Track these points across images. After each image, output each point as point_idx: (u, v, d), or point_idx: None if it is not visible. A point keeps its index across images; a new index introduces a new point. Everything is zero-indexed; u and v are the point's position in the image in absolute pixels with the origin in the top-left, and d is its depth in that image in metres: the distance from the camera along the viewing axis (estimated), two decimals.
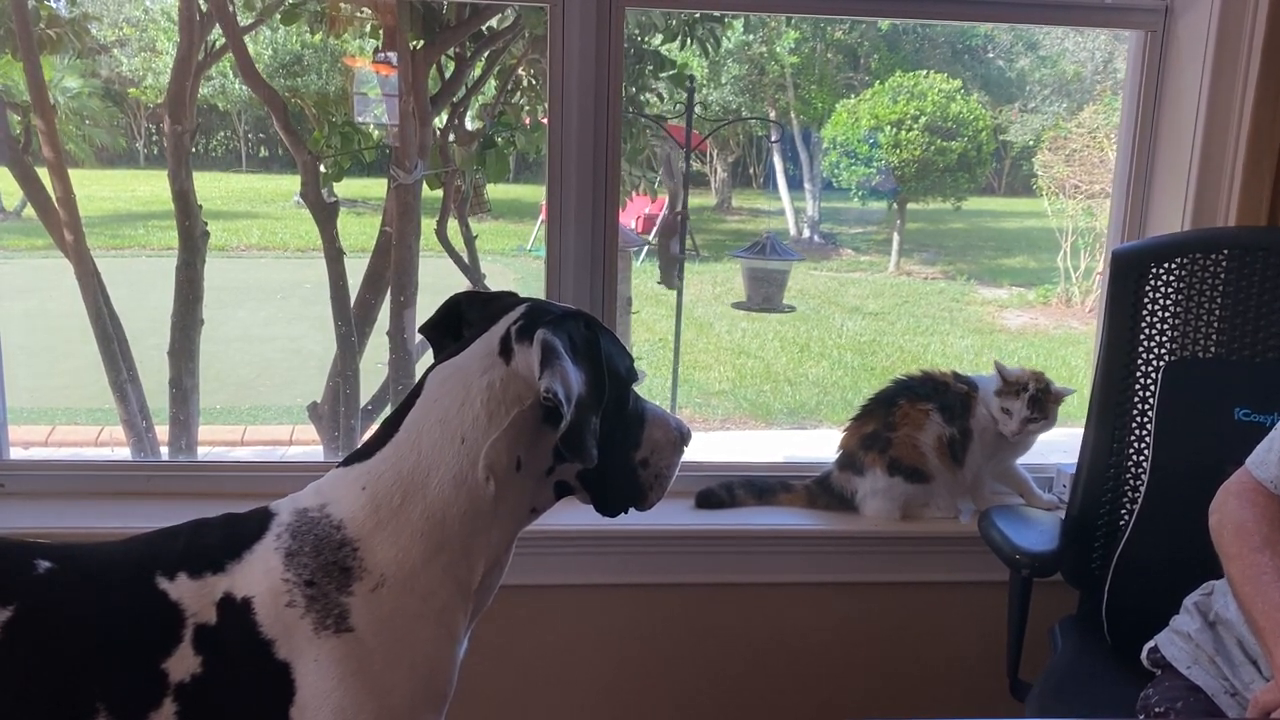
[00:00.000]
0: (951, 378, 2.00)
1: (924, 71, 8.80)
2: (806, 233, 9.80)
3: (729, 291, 8.06)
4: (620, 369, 1.22)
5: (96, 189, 7.93)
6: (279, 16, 2.90)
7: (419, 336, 2.33)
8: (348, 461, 1.17)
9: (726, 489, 2.04)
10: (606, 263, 1.86)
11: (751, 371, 7.06)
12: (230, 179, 8.94)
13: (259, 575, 1.08)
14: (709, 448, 5.74)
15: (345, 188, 2.91)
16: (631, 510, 1.27)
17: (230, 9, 2.60)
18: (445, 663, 1.14)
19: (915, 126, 8.30)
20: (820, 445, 5.83)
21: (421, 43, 2.60)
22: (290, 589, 1.07)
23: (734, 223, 10.96)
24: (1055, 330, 8.15)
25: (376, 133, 3.16)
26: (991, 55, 10.34)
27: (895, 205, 8.94)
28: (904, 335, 7.75)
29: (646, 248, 8.21)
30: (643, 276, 7.80)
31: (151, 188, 7.56)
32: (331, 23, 2.97)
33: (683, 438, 1.28)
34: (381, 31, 2.70)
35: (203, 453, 4.92)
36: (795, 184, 9.94)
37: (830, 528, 1.95)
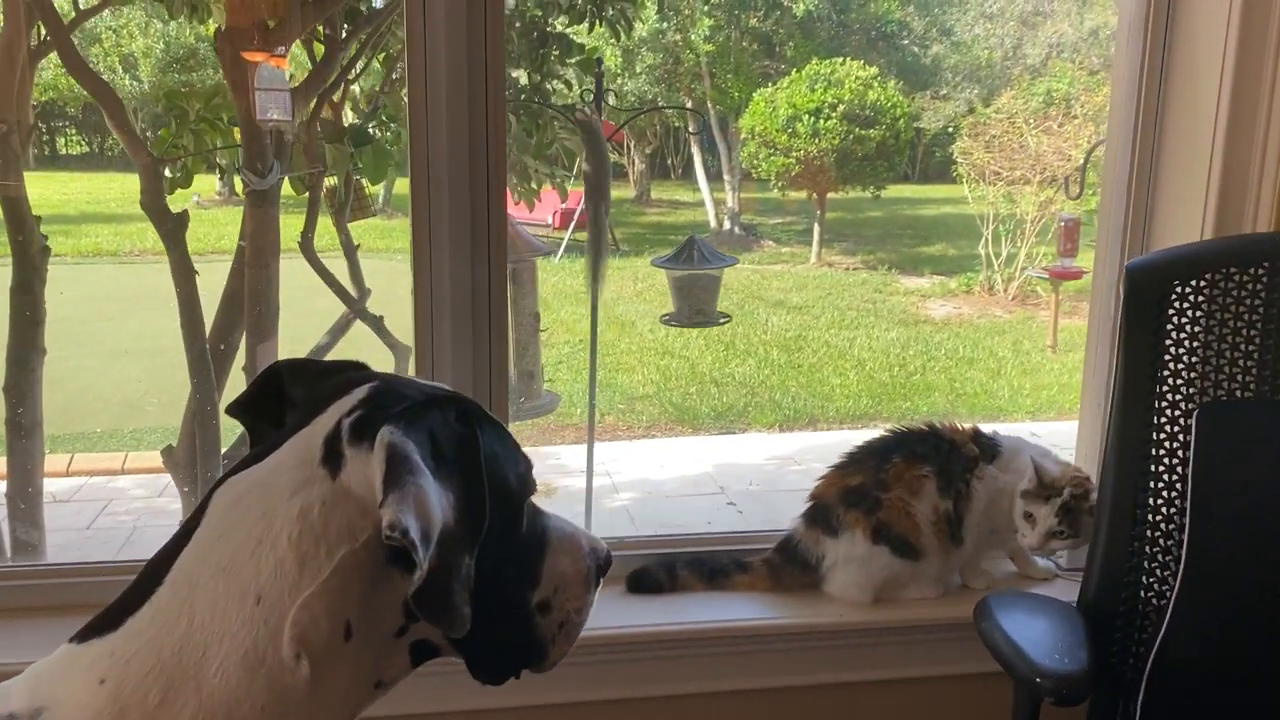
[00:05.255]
0: (968, 437, 1.63)
1: (840, 59, 8.66)
2: (727, 225, 9.65)
3: (650, 288, 7.78)
4: (509, 479, 0.83)
5: None
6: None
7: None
8: (85, 635, 0.77)
9: (667, 569, 1.65)
10: (493, 291, 1.44)
11: (677, 373, 6.80)
12: (127, 180, 8.37)
13: None
14: (633, 460, 5.41)
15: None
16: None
17: None
18: None
19: (833, 115, 8.23)
20: (749, 452, 5.57)
21: (273, 23, 2.18)
22: None
23: (654, 215, 10.81)
24: (980, 320, 8.15)
25: (236, 130, 2.74)
26: (906, 42, 10.29)
27: (815, 195, 8.79)
28: (830, 330, 7.60)
29: (565, 243, 7.87)
30: (563, 274, 7.44)
31: (41, 190, 7.02)
32: (193, 9, 2.56)
33: (599, 567, 0.89)
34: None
35: (79, 484, 4.45)
36: (714, 175, 9.76)
37: (790, 621, 1.57)
